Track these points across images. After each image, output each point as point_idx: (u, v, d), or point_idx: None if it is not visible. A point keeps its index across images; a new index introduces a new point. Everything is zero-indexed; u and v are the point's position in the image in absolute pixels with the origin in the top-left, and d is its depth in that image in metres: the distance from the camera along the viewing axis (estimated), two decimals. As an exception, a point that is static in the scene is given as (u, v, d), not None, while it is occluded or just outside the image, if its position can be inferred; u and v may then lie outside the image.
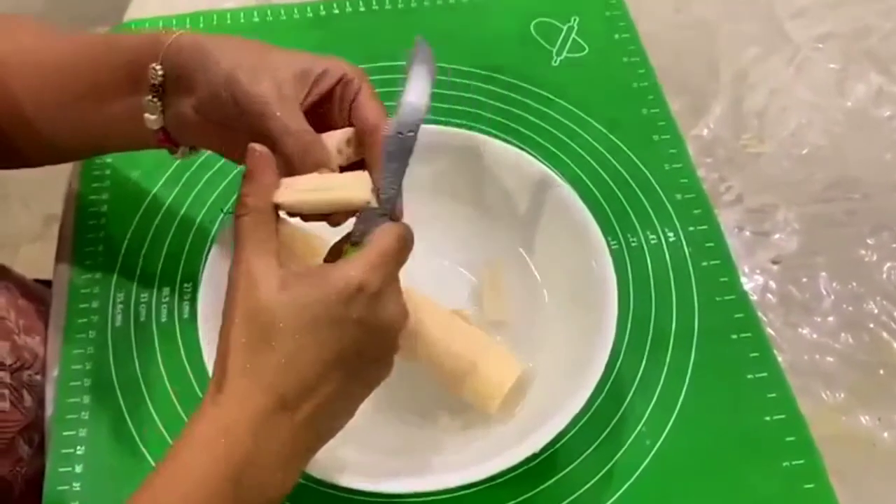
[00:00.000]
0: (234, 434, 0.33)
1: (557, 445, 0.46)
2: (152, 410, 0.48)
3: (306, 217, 0.40)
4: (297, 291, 0.35)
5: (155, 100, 0.42)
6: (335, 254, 0.40)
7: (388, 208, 0.39)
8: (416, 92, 0.40)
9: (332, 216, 0.40)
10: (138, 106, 0.43)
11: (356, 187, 0.38)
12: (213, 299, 0.45)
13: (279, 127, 0.39)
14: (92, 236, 0.55)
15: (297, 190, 0.37)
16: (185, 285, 0.52)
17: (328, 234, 0.42)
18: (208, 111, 0.41)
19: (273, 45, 0.42)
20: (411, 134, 0.39)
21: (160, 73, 0.41)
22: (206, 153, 0.51)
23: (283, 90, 0.39)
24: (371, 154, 0.40)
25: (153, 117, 0.43)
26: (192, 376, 0.49)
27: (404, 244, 0.37)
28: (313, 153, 0.39)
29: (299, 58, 0.41)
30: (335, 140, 0.40)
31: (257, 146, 0.37)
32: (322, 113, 0.41)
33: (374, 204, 0.38)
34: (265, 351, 0.34)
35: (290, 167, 0.39)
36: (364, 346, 0.36)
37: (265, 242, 0.36)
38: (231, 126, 0.41)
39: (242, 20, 0.66)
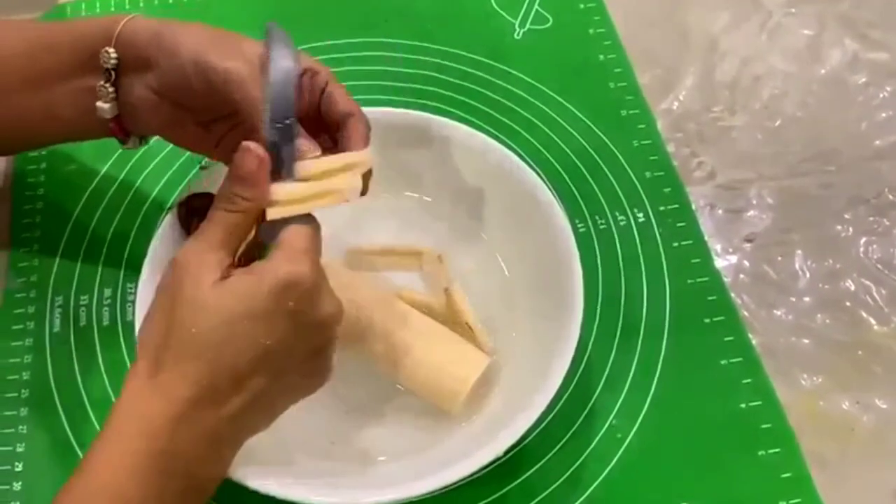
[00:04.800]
0: (155, 429, 0.32)
1: (526, 442, 0.44)
2: (94, 421, 0.45)
3: None
4: (231, 285, 0.34)
5: (107, 86, 0.41)
6: (247, 260, 0.37)
7: None
8: (281, 73, 0.36)
9: None
10: (86, 93, 0.41)
11: (343, 184, 0.37)
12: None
13: (252, 101, 0.37)
14: (27, 236, 0.52)
15: (285, 201, 0.36)
16: (129, 286, 0.49)
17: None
18: (170, 91, 0.40)
19: (238, 34, 0.41)
20: (288, 122, 0.36)
21: (114, 56, 0.40)
22: (153, 141, 0.48)
23: (252, 67, 0.38)
24: (349, 140, 0.39)
25: (106, 105, 0.41)
26: (135, 383, 0.46)
27: (316, 238, 0.36)
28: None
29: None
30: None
31: (252, 146, 0.35)
32: None
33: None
34: (192, 341, 0.33)
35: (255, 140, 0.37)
36: (295, 342, 0.35)
37: (225, 238, 0.35)
38: (190, 107, 0.40)
39: (186, -2, 0.62)
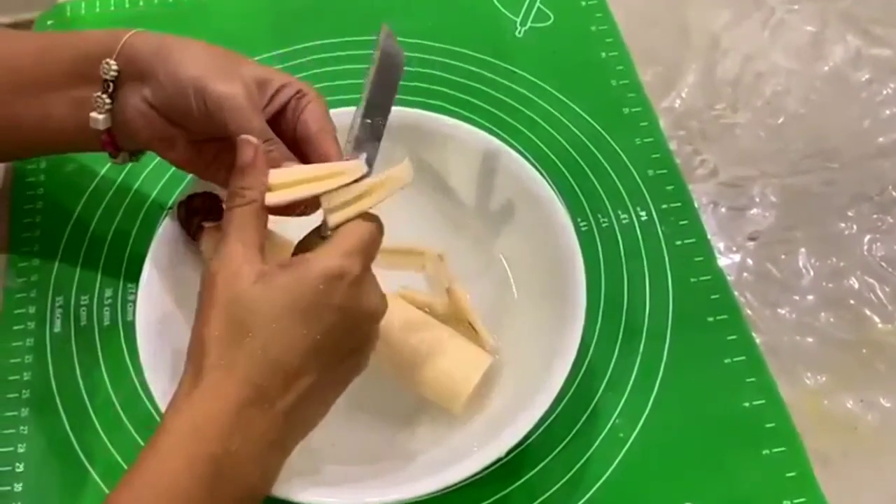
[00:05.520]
0: (209, 430, 0.33)
1: (528, 442, 0.44)
2: (96, 422, 0.45)
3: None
4: (274, 280, 0.34)
5: (104, 96, 0.41)
6: (303, 249, 0.38)
7: None
8: (382, 75, 0.40)
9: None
10: (82, 103, 0.41)
11: (347, 172, 0.37)
12: (153, 302, 0.43)
13: (243, 126, 0.38)
14: (27, 235, 0.51)
15: (286, 185, 0.37)
16: (130, 286, 0.49)
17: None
18: (166, 107, 0.40)
19: (238, 54, 0.41)
20: (379, 121, 0.39)
21: (114, 67, 0.40)
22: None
23: (250, 92, 0.39)
24: (322, 154, 0.40)
25: (100, 117, 0.41)
26: (136, 383, 0.46)
27: (375, 237, 0.37)
28: (273, 154, 0.38)
29: (263, 68, 0.41)
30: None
31: (252, 139, 0.37)
32: (275, 125, 0.40)
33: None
34: (240, 341, 0.33)
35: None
36: (342, 336, 0.35)
37: (253, 235, 0.36)
38: (184, 125, 0.40)
39: (186, -2, 0.62)
